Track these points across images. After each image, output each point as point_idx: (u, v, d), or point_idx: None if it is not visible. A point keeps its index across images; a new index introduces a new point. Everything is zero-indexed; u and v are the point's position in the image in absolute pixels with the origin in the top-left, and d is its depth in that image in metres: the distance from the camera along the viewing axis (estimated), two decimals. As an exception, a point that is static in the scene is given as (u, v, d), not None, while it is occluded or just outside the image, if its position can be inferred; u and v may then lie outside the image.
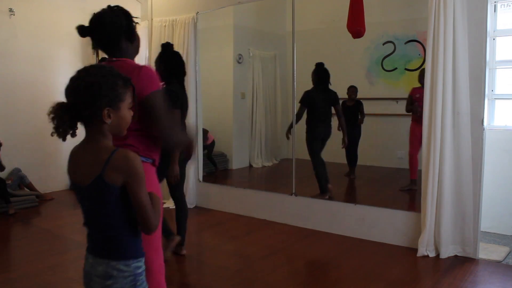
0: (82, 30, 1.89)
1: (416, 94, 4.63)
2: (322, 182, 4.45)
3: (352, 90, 5.29)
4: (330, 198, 4.34)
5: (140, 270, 1.40)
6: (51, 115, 1.31)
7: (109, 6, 1.91)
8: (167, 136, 1.85)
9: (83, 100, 1.31)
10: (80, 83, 1.33)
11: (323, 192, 4.42)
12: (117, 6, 1.91)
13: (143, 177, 1.34)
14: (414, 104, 4.58)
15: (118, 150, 1.34)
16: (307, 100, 4.50)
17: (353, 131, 5.24)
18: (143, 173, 1.35)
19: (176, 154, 2.89)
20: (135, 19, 1.93)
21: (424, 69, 4.60)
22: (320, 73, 4.59)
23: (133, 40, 1.92)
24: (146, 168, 1.59)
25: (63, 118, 1.30)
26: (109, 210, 1.35)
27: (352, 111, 5.22)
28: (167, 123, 1.81)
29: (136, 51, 1.97)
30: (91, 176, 1.32)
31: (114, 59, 1.86)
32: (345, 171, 5.41)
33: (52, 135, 1.33)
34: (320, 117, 4.55)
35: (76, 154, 1.41)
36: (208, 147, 6.08)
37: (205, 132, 5.95)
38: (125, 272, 1.35)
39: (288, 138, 4.75)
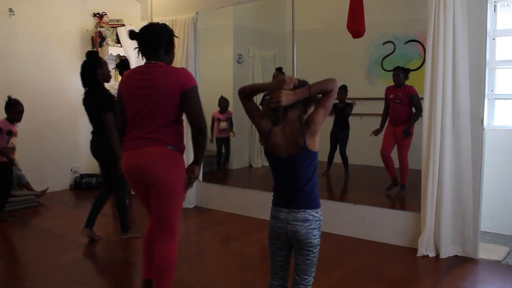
0: (131, 34, 2.33)
1: (390, 94, 4.65)
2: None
3: (339, 91, 5.23)
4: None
5: (321, 216, 1.98)
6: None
7: (158, 23, 2.37)
8: (200, 124, 2.25)
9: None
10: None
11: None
12: (164, 24, 2.37)
13: (318, 115, 1.87)
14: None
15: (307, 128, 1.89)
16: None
17: (342, 132, 5.32)
18: (317, 116, 1.87)
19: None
20: (176, 36, 2.39)
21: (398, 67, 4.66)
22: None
23: (169, 53, 2.36)
24: (174, 155, 2.26)
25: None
26: (309, 171, 1.91)
27: (343, 113, 5.27)
28: (201, 113, 2.26)
29: (169, 62, 2.38)
30: (296, 148, 1.87)
31: (152, 62, 2.28)
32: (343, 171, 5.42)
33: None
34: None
35: (277, 134, 1.92)
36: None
37: (225, 101, 5.81)
38: (316, 217, 1.94)
39: None
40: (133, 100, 2.27)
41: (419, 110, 4.37)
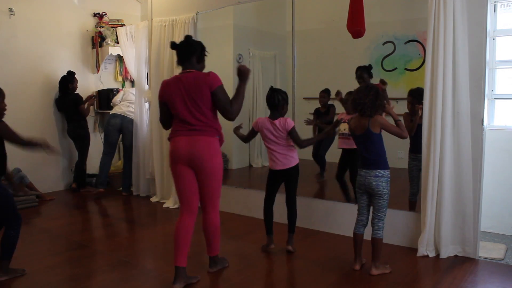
0: (172, 45, 2.90)
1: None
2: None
3: (322, 95, 5.00)
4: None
5: (389, 176, 2.95)
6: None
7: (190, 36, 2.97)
8: (228, 114, 2.81)
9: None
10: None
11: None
12: (198, 41, 2.97)
13: (386, 122, 2.91)
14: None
15: (372, 118, 2.88)
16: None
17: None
18: (385, 121, 2.92)
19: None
20: (206, 52, 2.95)
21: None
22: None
23: (200, 62, 2.90)
24: (216, 144, 2.83)
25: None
26: (376, 144, 2.92)
27: (326, 116, 4.97)
28: (229, 106, 2.79)
29: (201, 70, 2.90)
30: (363, 129, 2.91)
31: (188, 70, 2.81)
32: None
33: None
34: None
35: (352, 120, 3.00)
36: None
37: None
38: (384, 174, 2.93)
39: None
40: (174, 102, 2.77)
41: None
